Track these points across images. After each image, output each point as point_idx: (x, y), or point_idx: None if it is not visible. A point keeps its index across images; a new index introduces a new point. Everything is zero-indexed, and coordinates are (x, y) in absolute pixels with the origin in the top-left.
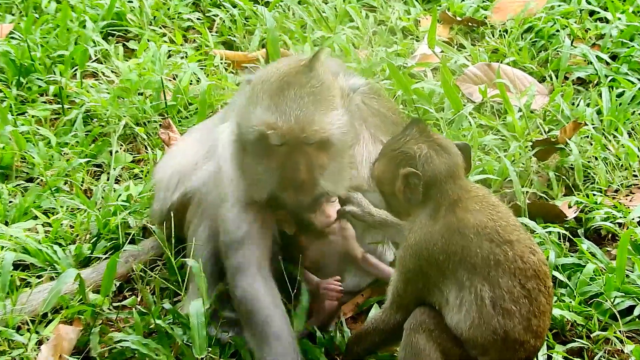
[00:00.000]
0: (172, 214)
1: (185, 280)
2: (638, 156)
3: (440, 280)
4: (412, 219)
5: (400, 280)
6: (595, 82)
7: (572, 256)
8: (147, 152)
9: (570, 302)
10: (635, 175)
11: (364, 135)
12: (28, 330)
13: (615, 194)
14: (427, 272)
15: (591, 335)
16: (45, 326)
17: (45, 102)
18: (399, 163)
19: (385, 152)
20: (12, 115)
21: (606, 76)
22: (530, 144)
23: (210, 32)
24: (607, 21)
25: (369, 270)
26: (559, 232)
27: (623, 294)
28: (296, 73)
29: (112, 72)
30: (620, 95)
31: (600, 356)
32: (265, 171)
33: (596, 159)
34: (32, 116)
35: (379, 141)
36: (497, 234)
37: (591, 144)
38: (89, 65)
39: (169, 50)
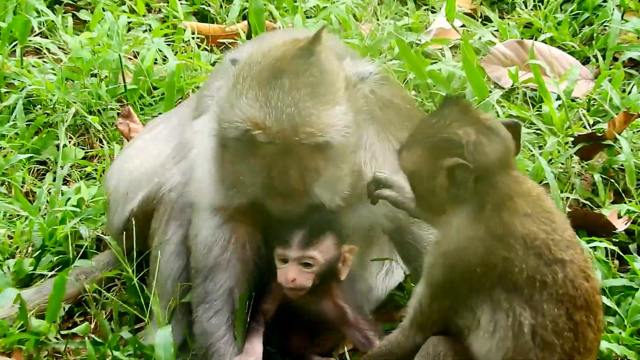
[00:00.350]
0: (133, 222)
1: (150, 303)
2: None
3: (472, 298)
4: (445, 219)
5: (426, 295)
6: None
7: (622, 277)
8: (102, 147)
9: (620, 333)
10: None
11: (370, 133)
12: None
13: None
14: (459, 287)
15: None
16: None
17: None
18: (440, 152)
19: (419, 138)
20: None
21: None
22: (572, 139)
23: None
24: None
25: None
26: (606, 248)
27: None
28: (292, 57)
29: (60, 48)
30: None
31: None
32: (249, 172)
33: None
34: None
35: (388, 140)
36: (548, 250)
37: None
38: (31, 40)
39: (129, 22)
